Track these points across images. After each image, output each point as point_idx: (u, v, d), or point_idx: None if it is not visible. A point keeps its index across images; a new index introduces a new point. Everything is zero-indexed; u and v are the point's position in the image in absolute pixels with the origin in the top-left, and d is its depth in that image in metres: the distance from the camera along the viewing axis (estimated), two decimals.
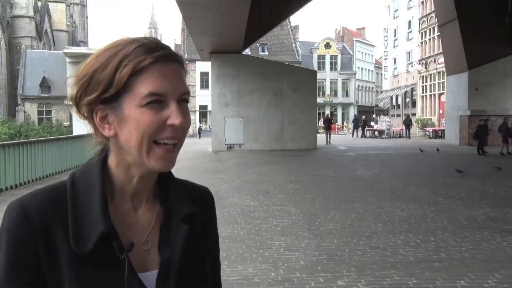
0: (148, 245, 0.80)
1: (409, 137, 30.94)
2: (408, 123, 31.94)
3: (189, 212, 0.82)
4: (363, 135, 34.17)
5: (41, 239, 0.72)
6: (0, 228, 0.74)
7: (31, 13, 55.76)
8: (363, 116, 39.66)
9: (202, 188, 0.94)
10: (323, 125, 28.93)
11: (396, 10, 45.63)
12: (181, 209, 0.82)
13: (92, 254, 0.73)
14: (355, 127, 36.24)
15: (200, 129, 43.25)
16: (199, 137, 40.16)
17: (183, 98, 0.76)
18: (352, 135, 35.62)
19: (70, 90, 0.78)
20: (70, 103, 0.80)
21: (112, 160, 0.79)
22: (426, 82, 37.72)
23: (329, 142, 25.74)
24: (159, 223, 0.82)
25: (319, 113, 45.50)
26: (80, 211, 0.75)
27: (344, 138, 34.64)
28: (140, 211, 0.82)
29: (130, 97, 0.73)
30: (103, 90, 0.73)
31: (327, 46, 58.19)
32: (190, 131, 45.27)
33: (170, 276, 0.78)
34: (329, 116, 31.96)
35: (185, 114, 0.76)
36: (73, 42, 63.77)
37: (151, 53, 0.73)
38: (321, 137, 26.74)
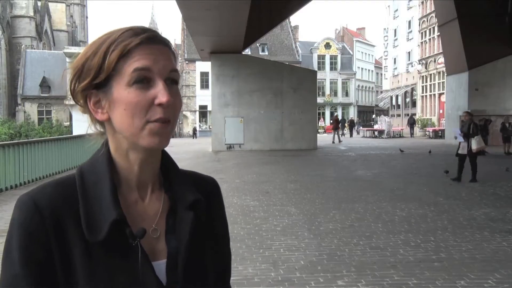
0: (157, 233, 0.81)
1: (412, 136, 32.06)
2: (412, 122, 33.98)
3: (194, 198, 0.83)
4: (343, 134, 36.63)
5: (52, 232, 0.74)
6: (11, 222, 0.75)
7: (31, 13, 55.73)
8: (351, 117, 44.61)
9: (207, 178, 0.95)
10: (332, 125, 30.47)
11: (396, 10, 45.62)
12: (186, 196, 0.83)
13: (105, 242, 0.74)
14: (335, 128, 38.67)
15: (195, 129, 43.24)
16: (193, 137, 40.24)
17: (172, 78, 0.77)
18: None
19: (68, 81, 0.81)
20: (70, 103, 0.81)
21: (111, 148, 0.81)
22: (426, 82, 37.71)
23: (340, 141, 26.80)
24: (166, 211, 0.83)
25: (319, 113, 45.54)
26: (91, 201, 0.76)
27: (343, 138, 34.65)
28: (146, 201, 0.83)
29: (118, 79, 0.75)
30: (94, 75, 0.76)
31: (327, 46, 58.17)
32: (191, 131, 45.31)
33: (178, 264, 0.79)
34: (337, 116, 32.69)
35: (173, 94, 0.76)
36: (73, 42, 63.76)
37: (137, 35, 0.76)
38: (321, 137, 26.79)
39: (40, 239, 0.73)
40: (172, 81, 0.78)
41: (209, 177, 0.96)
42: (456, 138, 10.37)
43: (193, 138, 39.54)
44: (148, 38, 0.76)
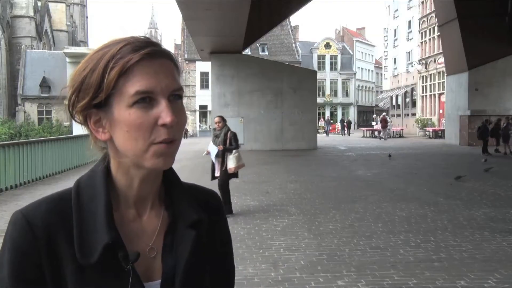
0: (154, 252, 0.78)
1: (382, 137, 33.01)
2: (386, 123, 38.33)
3: (196, 218, 0.80)
4: (343, 133, 41.06)
5: (44, 251, 0.72)
6: (4, 237, 0.74)
7: (31, 13, 55.74)
8: (348, 118, 50.47)
9: (209, 192, 0.91)
10: (380, 124, 32.91)
11: (396, 10, 45.57)
12: (187, 214, 0.80)
13: (97, 265, 0.71)
14: (342, 127, 43.13)
15: (186, 130, 43.28)
16: (185, 137, 40.34)
17: (175, 94, 0.73)
18: (327, 134, 39.99)
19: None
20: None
21: (112, 165, 0.78)
22: (426, 82, 37.67)
23: (384, 139, 29.22)
24: (164, 229, 0.80)
25: (319, 113, 45.57)
26: (85, 221, 0.73)
27: (343, 138, 34.71)
28: (145, 218, 0.79)
29: (118, 98, 0.71)
30: (93, 94, 0.72)
31: (327, 46, 58.13)
32: (190, 131, 45.32)
33: (175, 285, 0.76)
34: (385, 115, 34.28)
35: (177, 112, 0.73)
36: (73, 42, 63.76)
37: (137, 51, 0.71)
38: (320, 137, 26.79)
39: (31, 257, 0.71)
40: (176, 96, 0.74)
41: (211, 191, 0.92)
42: (207, 153, 7.38)
43: (185, 138, 39.62)
44: (148, 54, 0.71)
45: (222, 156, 7.22)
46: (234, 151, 7.20)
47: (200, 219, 0.80)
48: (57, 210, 0.74)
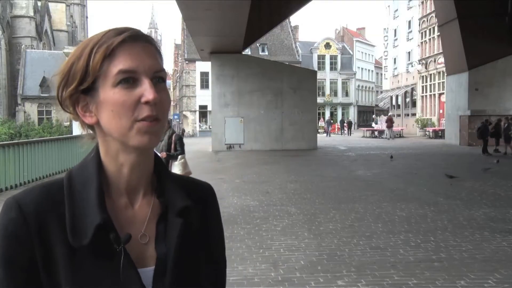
0: (145, 239, 0.79)
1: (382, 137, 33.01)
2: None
3: (183, 205, 0.81)
4: (342, 133, 41.90)
5: (36, 237, 0.73)
6: None
7: (31, 13, 55.74)
8: (349, 118, 51.05)
9: (201, 183, 0.93)
10: (386, 123, 32.75)
11: (396, 10, 45.55)
12: (176, 202, 0.81)
13: (90, 247, 0.73)
14: (342, 127, 44.15)
15: (183, 130, 43.24)
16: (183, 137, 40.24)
17: (158, 76, 0.76)
18: (327, 134, 39.84)
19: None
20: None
21: (101, 151, 0.80)
22: (426, 82, 37.65)
23: (391, 138, 29.59)
24: (156, 217, 0.81)
25: (319, 113, 45.59)
26: (77, 205, 0.75)
27: (343, 138, 34.72)
28: (137, 206, 0.81)
29: (103, 80, 0.74)
30: (80, 79, 0.75)
31: (327, 46, 58.11)
32: (190, 131, 45.33)
33: (166, 272, 0.77)
34: (391, 115, 34.92)
35: (160, 91, 0.75)
36: (73, 42, 63.74)
37: (120, 34, 0.75)
38: (320, 137, 26.80)
39: (23, 243, 0.73)
40: (159, 78, 0.77)
41: (206, 183, 0.94)
42: None
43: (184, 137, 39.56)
44: (130, 37, 0.75)
45: (167, 163, 6.56)
46: (179, 157, 6.66)
47: (186, 206, 0.82)
48: (49, 197, 0.76)
